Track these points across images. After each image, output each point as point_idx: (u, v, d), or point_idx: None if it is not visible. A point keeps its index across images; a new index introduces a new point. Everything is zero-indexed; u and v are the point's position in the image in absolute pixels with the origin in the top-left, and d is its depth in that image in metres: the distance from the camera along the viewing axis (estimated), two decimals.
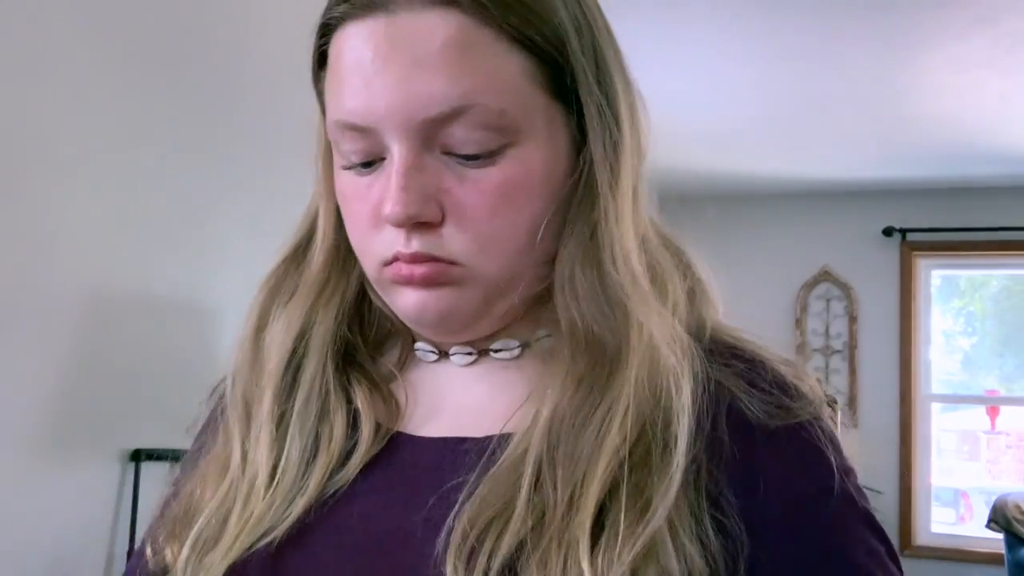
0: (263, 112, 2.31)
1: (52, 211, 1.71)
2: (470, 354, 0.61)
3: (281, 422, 0.60)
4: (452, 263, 0.55)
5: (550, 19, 0.55)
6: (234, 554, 0.56)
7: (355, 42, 0.54)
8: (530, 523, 0.51)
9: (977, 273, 5.16)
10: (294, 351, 0.62)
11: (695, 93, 3.42)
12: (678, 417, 0.52)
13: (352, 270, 0.63)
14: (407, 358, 0.65)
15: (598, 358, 0.55)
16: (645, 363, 0.54)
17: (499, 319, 0.59)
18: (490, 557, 0.49)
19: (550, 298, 0.59)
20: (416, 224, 0.54)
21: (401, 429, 0.61)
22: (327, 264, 0.63)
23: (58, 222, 1.73)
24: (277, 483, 0.58)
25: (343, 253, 0.63)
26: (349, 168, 0.58)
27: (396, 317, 0.63)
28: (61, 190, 1.72)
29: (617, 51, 0.61)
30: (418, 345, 0.64)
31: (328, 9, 0.56)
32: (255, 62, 2.29)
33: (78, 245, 1.78)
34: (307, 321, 0.63)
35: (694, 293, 0.62)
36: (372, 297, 0.64)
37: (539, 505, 0.51)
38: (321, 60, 0.59)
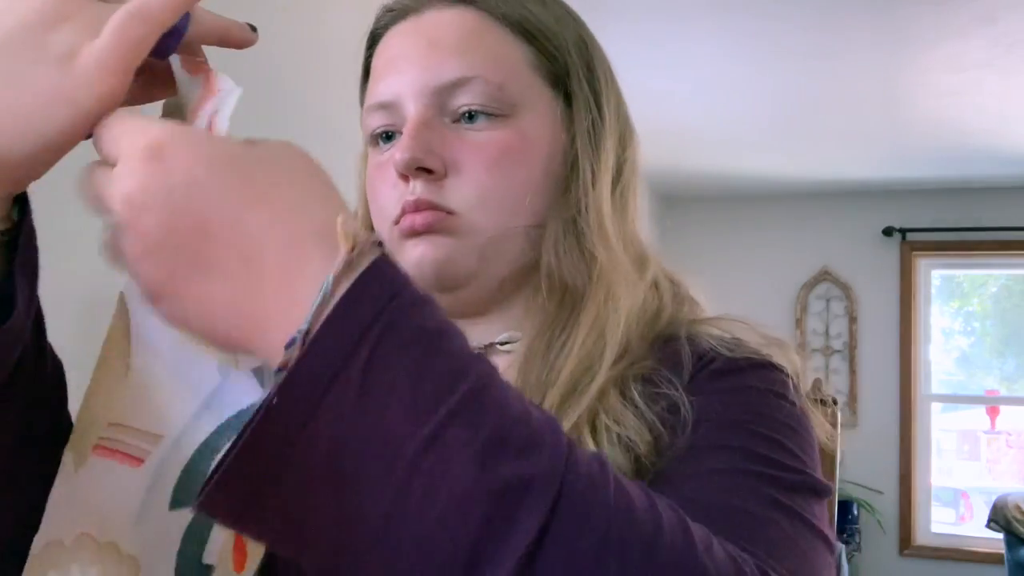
0: (266, 116, 2.31)
1: (53, 212, 1.71)
2: (477, 348, 0.66)
3: None
4: (450, 212, 0.62)
5: (552, 24, 0.67)
6: None
7: (391, 43, 0.67)
8: None
9: (977, 273, 5.16)
10: None
11: (695, 93, 3.42)
12: (610, 343, 0.61)
13: None
14: None
15: (565, 299, 0.64)
16: (604, 305, 0.63)
17: (492, 287, 0.66)
18: None
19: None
20: (420, 172, 0.62)
21: None
22: None
23: (59, 223, 1.73)
24: None
25: None
26: (375, 146, 0.67)
27: None
28: (61, 190, 1.72)
29: (607, 65, 0.71)
30: None
31: (375, 21, 0.69)
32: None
33: (77, 246, 1.78)
34: None
35: (677, 296, 0.70)
36: None
37: None
38: (366, 73, 0.70)
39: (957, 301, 5.20)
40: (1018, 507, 4.00)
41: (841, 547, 4.09)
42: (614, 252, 0.65)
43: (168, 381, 0.48)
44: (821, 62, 3.07)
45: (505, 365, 0.66)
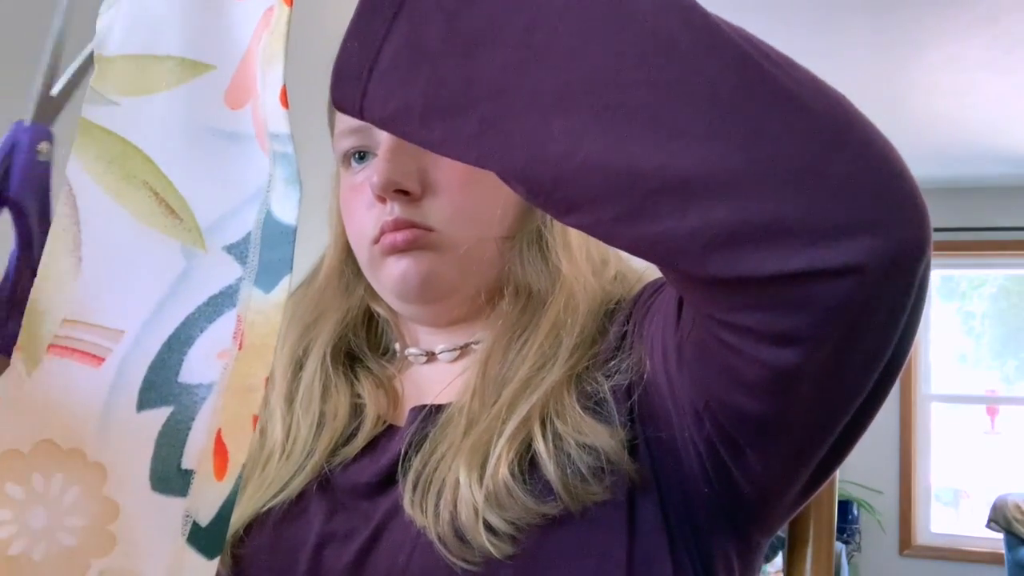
0: None
1: None
2: (454, 350, 0.70)
3: (291, 405, 0.71)
4: (429, 229, 0.64)
5: None
6: (251, 511, 0.65)
7: None
8: (464, 437, 0.61)
9: (976, 273, 5.16)
10: (299, 357, 0.73)
11: None
12: (566, 341, 0.64)
13: (355, 291, 0.74)
14: (403, 367, 0.74)
15: (528, 305, 0.66)
16: (563, 310, 0.65)
17: (470, 296, 0.68)
18: (437, 471, 0.60)
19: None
20: (398, 194, 0.63)
21: (394, 422, 0.69)
22: (329, 284, 0.74)
23: None
24: (289, 452, 0.68)
25: (347, 278, 0.74)
26: (348, 167, 0.69)
27: (392, 317, 0.74)
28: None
29: None
30: (409, 350, 0.73)
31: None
32: None
33: None
34: (309, 334, 0.73)
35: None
36: (373, 307, 0.74)
37: (472, 419, 0.62)
38: None
39: (957, 301, 5.20)
40: (1018, 507, 4.00)
41: (841, 547, 4.09)
42: (576, 263, 0.68)
43: (126, 270, 0.44)
44: (821, 62, 3.07)
45: (469, 363, 0.68)
